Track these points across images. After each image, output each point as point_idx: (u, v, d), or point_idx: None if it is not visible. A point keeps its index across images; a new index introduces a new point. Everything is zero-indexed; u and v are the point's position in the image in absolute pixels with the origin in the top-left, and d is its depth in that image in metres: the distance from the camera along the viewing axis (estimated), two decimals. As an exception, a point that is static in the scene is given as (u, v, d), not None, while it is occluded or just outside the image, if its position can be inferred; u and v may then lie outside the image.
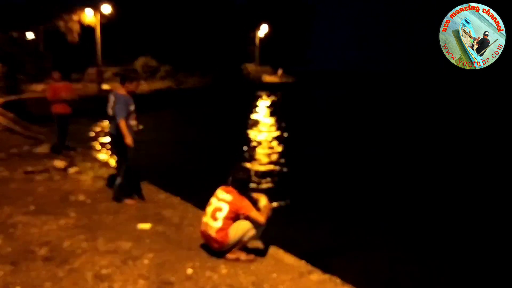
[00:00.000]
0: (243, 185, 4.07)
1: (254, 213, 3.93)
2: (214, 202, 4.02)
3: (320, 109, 32.73)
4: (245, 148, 15.71)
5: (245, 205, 3.94)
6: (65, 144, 8.84)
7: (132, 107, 5.48)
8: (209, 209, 4.02)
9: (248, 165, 4.43)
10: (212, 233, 3.94)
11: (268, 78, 54.01)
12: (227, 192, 4.02)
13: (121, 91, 5.52)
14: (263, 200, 4.15)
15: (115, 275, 3.59)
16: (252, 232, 3.96)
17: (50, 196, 5.85)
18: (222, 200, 3.97)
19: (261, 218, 3.95)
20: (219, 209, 3.94)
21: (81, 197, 5.79)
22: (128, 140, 5.32)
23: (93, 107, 20.52)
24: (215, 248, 4.03)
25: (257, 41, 51.88)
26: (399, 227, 7.72)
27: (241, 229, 3.94)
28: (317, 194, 9.85)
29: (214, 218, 3.94)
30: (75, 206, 5.43)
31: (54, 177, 6.74)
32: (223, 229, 3.91)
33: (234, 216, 3.94)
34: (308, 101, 39.94)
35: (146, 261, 3.87)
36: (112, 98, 5.51)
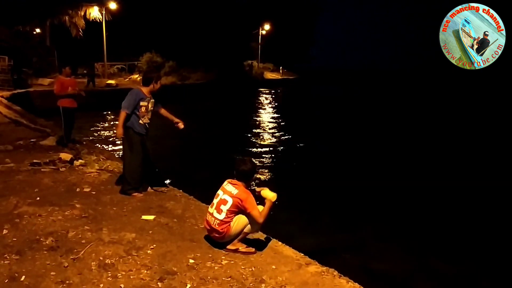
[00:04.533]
0: (246, 176, 4.10)
1: (255, 212, 3.95)
2: (220, 194, 4.08)
3: (319, 104, 32.96)
4: (246, 142, 15.82)
5: (249, 201, 3.96)
6: (70, 138, 8.94)
7: (144, 103, 5.53)
8: (216, 201, 4.08)
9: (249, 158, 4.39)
10: (215, 225, 4.01)
11: (269, 75, 54.12)
12: (234, 185, 4.06)
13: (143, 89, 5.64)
14: (267, 193, 4.15)
15: (119, 265, 3.67)
16: (253, 226, 4.03)
17: (56, 187, 5.91)
18: (227, 193, 4.02)
19: (259, 219, 3.97)
20: (224, 202, 4.00)
21: (86, 189, 5.86)
22: (118, 130, 5.42)
23: (98, 101, 20.76)
24: (216, 238, 4.11)
25: (259, 38, 51.89)
26: (398, 224, 7.79)
27: (242, 222, 4.00)
28: (318, 189, 9.92)
29: (219, 210, 4.00)
30: (80, 197, 5.49)
31: (60, 169, 6.80)
32: (226, 222, 3.98)
33: (238, 210, 4.00)
34: (307, 97, 40.20)
35: (149, 252, 3.95)
36: None
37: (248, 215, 3.99)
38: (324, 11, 77.97)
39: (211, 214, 4.07)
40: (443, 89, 51.36)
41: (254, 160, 4.44)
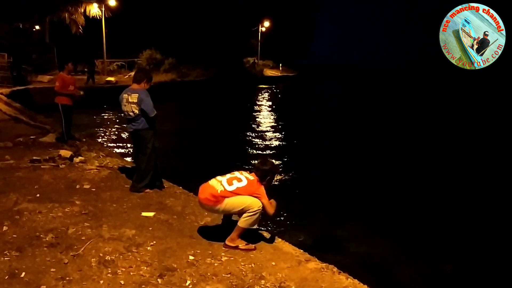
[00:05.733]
0: (263, 175, 4.16)
1: (265, 201, 4.04)
2: (236, 174, 4.17)
3: (317, 100, 33.11)
4: (245, 138, 15.85)
5: (260, 191, 4.06)
6: (70, 134, 8.94)
7: None
8: (229, 175, 4.15)
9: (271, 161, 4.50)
10: (219, 191, 3.99)
11: (269, 72, 54.17)
12: (251, 173, 4.19)
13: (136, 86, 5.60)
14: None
15: (119, 261, 3.69)
16: (249, 215, 3.97)
17: (56, 184, 5.92)
18: (244, 175, 4.12)
19: (270, 209, 4.09)
20: (238, 179, 4.06)
21: (86, 186, 5.88)
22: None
23: (97, 98, 20.78)
24: (206, 201, 4.04)
25: (259, 35, 51.93)
26: (399, 221, 7.82)
27: (237, 203, 3.98)
28: (317, 185, 9.94)
29: (230, 183, 4.03)
30: (80, 194, 5.51)
31: (60, 166, 6.81)
32: (230, 194, 3.99)
33: (247, 194, 4.02)
34: (306, 94, 40.38)
35: (149, 248, 3.97)
36: (127, 95, 5.53)
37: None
38: (324, 8, 78.20)
39: (220, 182, 4.07)
40: (442, 88, 51.36)
41: (274, 162, 4.55)
